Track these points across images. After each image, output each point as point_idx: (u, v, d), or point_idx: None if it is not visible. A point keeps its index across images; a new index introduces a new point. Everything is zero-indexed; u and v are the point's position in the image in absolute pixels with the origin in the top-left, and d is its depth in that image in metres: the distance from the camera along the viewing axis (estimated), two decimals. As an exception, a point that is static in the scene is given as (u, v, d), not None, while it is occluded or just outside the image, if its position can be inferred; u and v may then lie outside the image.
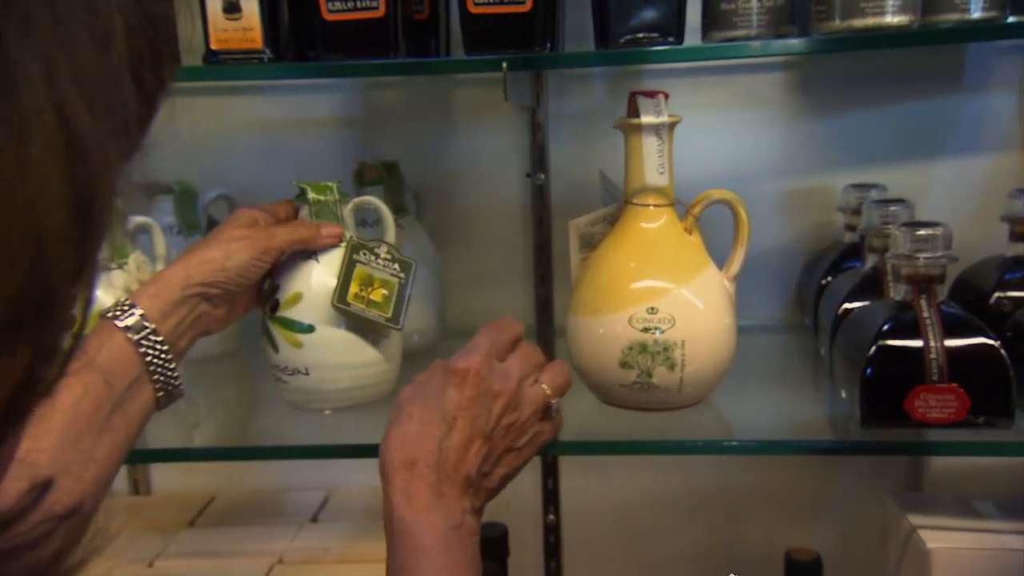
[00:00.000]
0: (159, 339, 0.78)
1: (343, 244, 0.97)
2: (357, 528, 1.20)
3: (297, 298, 0.93)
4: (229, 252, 0.85)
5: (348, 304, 0.95)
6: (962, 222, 1.05)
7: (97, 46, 0.33)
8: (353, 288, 0.95)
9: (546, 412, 0.79)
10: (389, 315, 0.94)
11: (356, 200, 0.98)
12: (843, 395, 0.93)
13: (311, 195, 0.94)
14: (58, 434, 0.72)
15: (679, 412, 0.94)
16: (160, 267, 1.02)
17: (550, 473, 1.30)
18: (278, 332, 0.94)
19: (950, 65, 1.19)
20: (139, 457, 1.10)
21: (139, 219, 1.05)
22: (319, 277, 0.93)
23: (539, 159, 1.25)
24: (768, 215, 1.23)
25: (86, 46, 0.33)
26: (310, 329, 0.94)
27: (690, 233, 0.94)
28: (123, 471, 1.18)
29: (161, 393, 0.78)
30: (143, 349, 0.77)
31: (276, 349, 0.94)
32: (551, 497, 1.29)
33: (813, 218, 1.23)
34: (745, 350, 1.00)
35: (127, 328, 0.76)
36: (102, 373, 0.75)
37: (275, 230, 0.90)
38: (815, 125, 1.24)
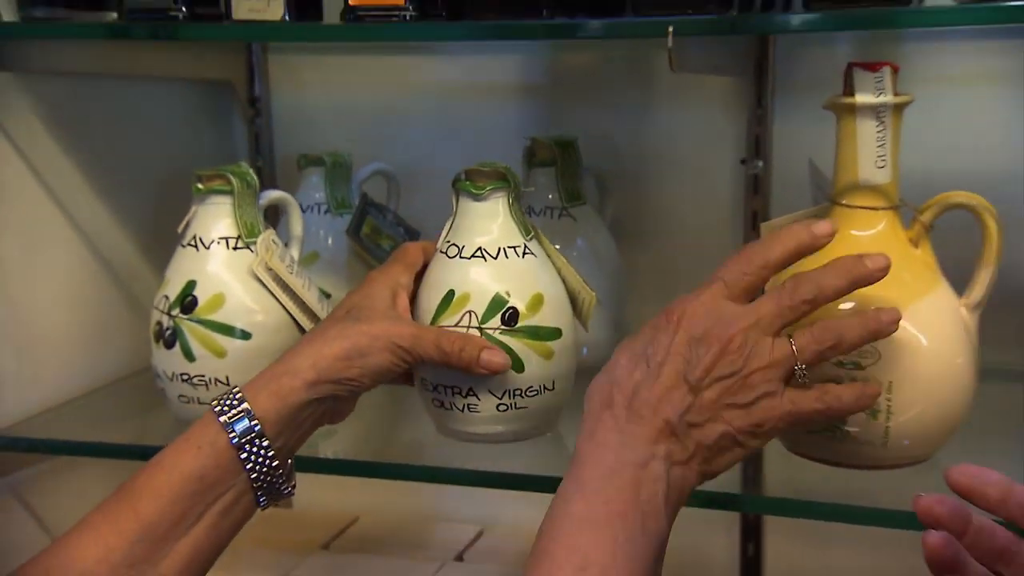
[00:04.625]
0: (270, 449, 0.82)
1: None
2: (506, 572, 1.23)
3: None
4: (370, 349, 0.88)
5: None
6: None
7: None
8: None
9: (789, 375, 0.79)
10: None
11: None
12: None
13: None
14: (127, 547, 0.78)
15: (891, 473, 0.92)
16: (295, 251, 1.08)
17: (750, 536, 1.29)
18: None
19: None
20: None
21: (274, 194, 1.09)
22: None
23: (757, 142, 1.25)
24: None
25: None
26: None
27: (916, 245, 0.92)
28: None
29: (264, 498, 0.83)
30: (246, 457, 0.81)
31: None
32: (751, 565, 1.30)
33: None
34: (999, 403, 0.97)
35: (230, 430, 0.81)
36: (192, 482, 0.80)
37: (423, 333, 0.92)
38: None
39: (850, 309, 0.89)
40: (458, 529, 1.35)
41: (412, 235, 1.23)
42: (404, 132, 1.37)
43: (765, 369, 0.77)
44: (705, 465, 0.77)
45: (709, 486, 0.96)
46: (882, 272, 0.82)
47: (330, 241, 1.20)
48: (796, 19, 0.97)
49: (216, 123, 1.43)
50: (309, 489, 1.43)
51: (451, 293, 0.96)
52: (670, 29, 0.91)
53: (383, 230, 1.20)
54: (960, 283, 0.93)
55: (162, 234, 1.24)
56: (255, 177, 1.07)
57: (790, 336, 0.78)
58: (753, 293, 0.80)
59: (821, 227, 0.82)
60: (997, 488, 0.66)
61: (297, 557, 1.25)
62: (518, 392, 0.97)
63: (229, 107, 1.44)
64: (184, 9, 1.05)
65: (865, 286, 0.82)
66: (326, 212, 1.20)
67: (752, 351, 0.77)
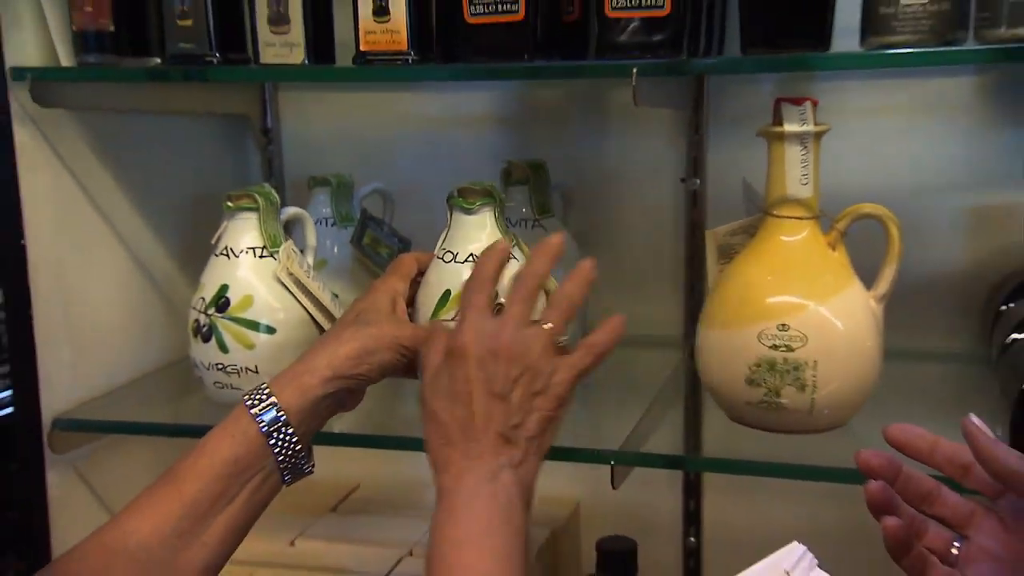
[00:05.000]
0: (293, 435, 0.82)
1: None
2: None
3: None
4: (376, 348, 0.88)
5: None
6: None
7: None
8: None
9: (558, 347, 0.81)
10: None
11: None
12: (998, 433, 0.90)
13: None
14: (175, 521, 0.78)
15: (814, 437, 0.94)
16: (309, 258, 1.08)
17: (691, 494, 1.30)
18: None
19: None
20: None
21: (292, 210, 1.09)
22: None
23: (695, 164, 1.25)
24: (948, 234, 1.21)
25: None
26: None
27: (834, 248, 0.94)
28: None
29: (288, 476, 0.83)
30: (275, 443, 0.82)
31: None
32: (692, 518, 1.30)
33: (999, 239, 1.20)
34: (907, 379, 1.01)
35: (261, 422, 0.81)
36: (229, 465, 0.81)
37: (414, 332, 0.92)
38: (1002, 136, 1.20)
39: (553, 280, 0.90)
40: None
41: (405, 244, 1.23)
42: (397, 156, 1.37)
43: (540, 355, 0.79)
44: (538, 450, 0.79)
45: (656, 449, 0.99)
46: (560, 245, 0.86)
47: (336, 250, 1.20)
48: (743, 62, 0.99)
49: (235, 150, 1.42)
50: (318, 461, 1.44)
51: (447, 293, 0.96)
52: (635, 71, 0.92)
53: (381, 240, 1.20)
54: (869, 279, 0.94)
55: (191, 244, 1.25)
56: (277, 196, 1.07)
57: (537, 321, 0.81)
58: (493, 303, 0.83)
59: (499, 243, 0.87)
60: (926, 442, 0.71)
61: (310, 518, 1.27)
62: None
63: (245, 137, 1.42)
64: (218, 55, 1.05)
65: (560, 259, 0.85)
66: (332, 225, 1.20)
67: (526, 346, 0.79)
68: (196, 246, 1.22)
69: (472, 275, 0.87)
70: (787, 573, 0.66)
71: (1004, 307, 1.10)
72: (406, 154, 1.36)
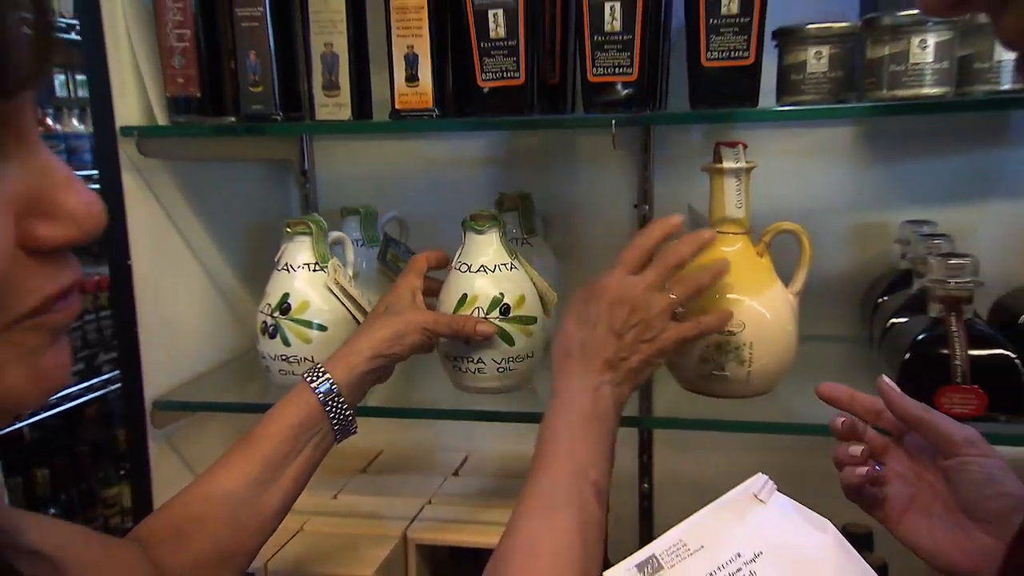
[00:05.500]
0: (344, 403, 0.84)
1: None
2: (488, 483, 1.27)
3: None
4: (406, 332, 0.90)
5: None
6: (1005, 256, 1.07)
7: None
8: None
9: (674, 315, 0.83)
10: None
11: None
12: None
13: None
14: (256, 473, 0.79)
15: (749, 400, 0.95)
16: (350, 271, 1.09)
17: (645, 449, 1.31)
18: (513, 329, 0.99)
19: (998, 121, 1.17)
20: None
21: (336, 234, 1.09)
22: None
23: (645, 194, 1.26)
24: (837, 245, 1.23)
25: None
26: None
27: (761, 256, 0.95)
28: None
29: (339, 436, 0.85)
30: (329, 409, 0.83)
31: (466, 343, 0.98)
32: (646, 469, 1.31)
33: (875, 249, 1.22)
34: (813, 355, 1.01)
35: (319, 393, 0.83)
36: (290, 431, 0.82)
37: (438, 318, 0.94)
38: (878, 171, 1.22)
39: (718, 289, 0.91)
40: (452, 455, 1.36)
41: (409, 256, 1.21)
42: (410, 190, 1.36)
43: (659, 314, 0.81)
44: (633, 381, 0.80)
45: None
46: (711, 239, 0.87)
47: (365, 264, 1.20)
48: (697, 115, 0.99)
49: (279, 188, 1.42)
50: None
51: (464, 296, 0.97)
52: (613, 122, 0.93)
53: (399, 256, 1.20)
54: (787, 279, 0.96)
55: (247, 261, 1.28)
56: (325, 223, 1.07)
57: (669, 290, 0.83)
58: (642, 267, 0.83)
59: (672, 218, 0.87)
60: (846, 395, 0.75)
61: (346, 478, 1.28)
62: (511, 359, 0.99)
63: (288, 177, 1.42)
64: (280, 114, 1.05)
65: (704, 250, 0.86)
66: (362, 245, 1.20)
67: (649, 304, 0.80)
68: (250, 263, 1.26)
69: (634, 239, 0.86)
70: (755, 495, 0.67)
71: (880, 300, 1.12)
72: (418, 188, 1.35)
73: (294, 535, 1.14)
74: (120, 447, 2.26)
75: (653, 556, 0.63)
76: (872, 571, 0.65)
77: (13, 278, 0.39)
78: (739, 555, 0.64)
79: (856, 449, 0.72)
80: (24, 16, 0.36)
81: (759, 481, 0.68)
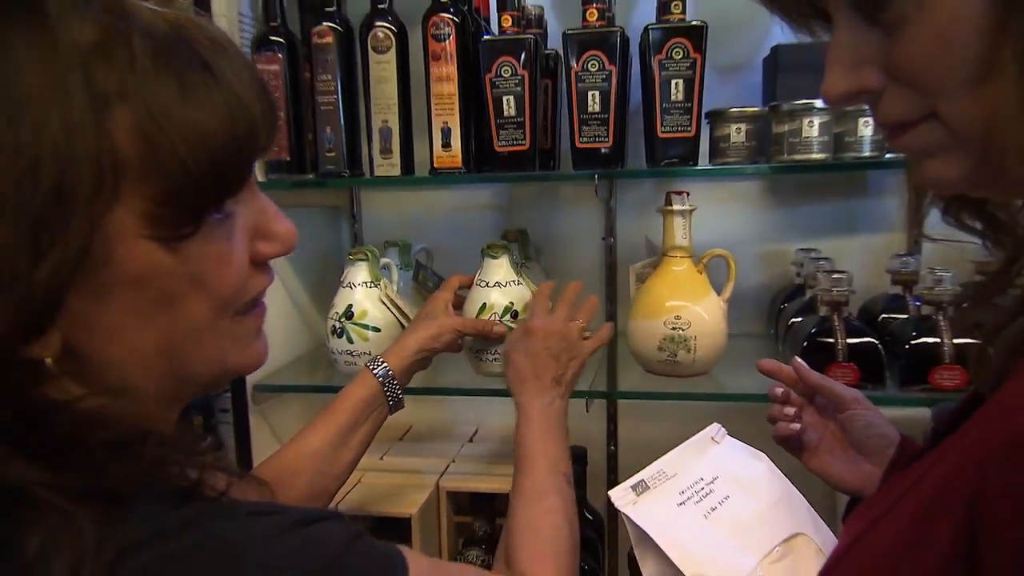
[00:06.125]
0: (396, 384, 0.83)
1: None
2: (495, 447, 1.27)
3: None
4: (442, 332, 0.89)
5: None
6: (866, 273, 1.08)
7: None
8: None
9: (583, 336, 0.83)
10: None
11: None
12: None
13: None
14: (333, 437, 0.78)
15: (694, 379, 0.98)
16: (394, 287, 1.08)
17: (612, 419, 1.29)
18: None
19: (861, 178, 1.19)
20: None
21: (384, 259, 1.10)
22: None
23: (611, 229, 1.27)
24: (754, 265, 1.24)
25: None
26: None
27: (701, 273, 0.98)
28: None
29: (392, 410, 0.84)
30: (386, 389, 0.82)
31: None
32: (612, 435, 1.30)
33: (778, 269, 1.23)
34: (737, 347, 1.01)
35: (379, 376, 0.82)
36: (359, 404, 0.81)
37: (465, 321, 0.93)
38: (780, 213, 1.24)
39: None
40: (466, 427, 1.34)
41: (439, 279, 1.19)
42: (433, 227, 1.33)
43: (576, 338, 0.81)
44: (569, 390, 0.80)
45: (593, 388, 1.00)
46: (581, 286, 0.87)
47: (402, 283, 1.16)
48: (657, 171, 0.99)
49: (333, 226, 1.39)
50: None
51: (483, 304, 0.97)
52: (596, 176, 0.97)
53: (428, 276, 1.20)
54: (719, 289, 0.98)
55: (312, 283, 1.27)
56: (376, 253, 1.08)
57: (574, 319, 0.83)
58: (548, 308, 0.84)
59: (549, 284, 0.87)
60: (777, 367, 0.75)
61: (388, 444, 1.27)
62: None
63: (340, 219, 1.39)
64: (347, 172, 1.06)
65: (580, 292, 0.86)
66: (400, 269, 1.17)
67: (569, 331, 0.81)
68: (312, 283, 1.24)
69: (535, 294, 0.88)
70: (712, 438, 0.70)
71: (783, 306, 1.13)
72: (440, 225, 1.33)
73: (355, 485, 1.14)
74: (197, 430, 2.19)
75: (642, 480, 0.66)
76: (790, 484, 0.68)
77: (245, 281, 0.45)
78: (702, 479, 0.68)
79: (790, 410, 0.71)
80: (263, 103, 0.41)
81: (715, 428, 0.72)
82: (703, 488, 0.66)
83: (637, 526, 0.64)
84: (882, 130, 0.39)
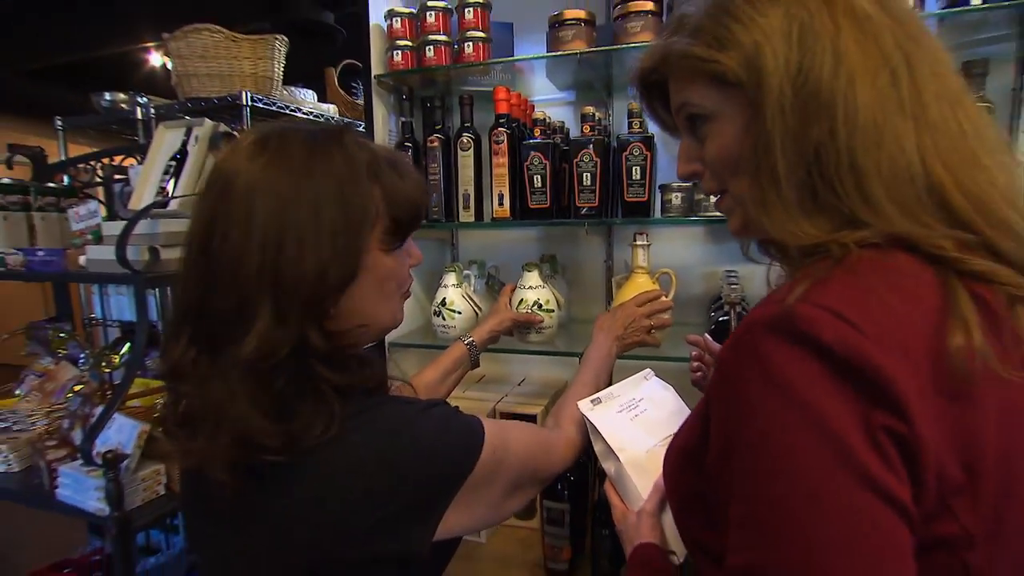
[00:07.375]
0: (477, 351, 0.85)
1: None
2: (535, 388, 1.27)
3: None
4: (504, 320, 0.90)
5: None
6: (761, 285, 1.03)
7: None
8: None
9: (648, 329, 0.82)
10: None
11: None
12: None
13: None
14: (438, 377, 0.80)
15: (656, 348, 0.90)
16: (471, 288, 1.11)
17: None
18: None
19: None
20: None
21: (466, 272, 1.14)
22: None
23: (610, 255, 1.27)
24: (695, 282, 1.21)
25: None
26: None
27: (654, 283, 0.98)
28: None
29: (472, 366, 0.85)
30: (471, 353, 0.84)
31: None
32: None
33: (712, 283, 1.21)
34: (683, 332, 0.93)
35: (467, 345, 0.84)
36: (454, 360, 0.82)
37: (517, 315, 0.92)
38: (710, 247, 1.21)
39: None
40: (516, 376, 1.34)
41: (502, 284, 1.19)
42: (497, 253, 1.33)
43: (639, 321, 0.81)
44: (624, 347, 0.80)
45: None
46: (657, 293, 0.84)
47: (478, 286, 1.19)
48: (629, 221, 0.98)
49: (439, 251, 1.39)
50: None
51: (523, 300, 1.01)
52: (586, 224, 1.01)
53: (495, 283, 1.22)
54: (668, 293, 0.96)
55: (425, 284, 1.29)
56: (461, 267, 1.12)
57: (644, 315, 0.82)
58: (638, 301, 0.82)
59: (654, 292, 0.85)
60: (695, 339, 0.75)
61: (469, 385, 1.28)
62: (544, 329, 1.01)
63: (445, 247, 1.40)
64: (444, 218, 1.10)
65: (654, 296, 0.86)
66: (477, 277, 1.20)
67: (635, 314, 0.82)
68: (427, 285, 1.30)
69: (634, 297, 0.84)
70: (644, 377, 0.72)
71: (712, 307, 1.12)
72: (500, 251, 1.34)
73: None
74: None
75: (598, 397, 0.70)
76: (684, 404, 0.69)
77: (407, 278, 0.54)
78: (634, 399, 0.70)
79: (697, 365, 0.74)
80: (425, 187, 0.51)
81: (647, 371, 0.75)
82: (634, 405, 0.69)
83: (592, 423, 0.67)
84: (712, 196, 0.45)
